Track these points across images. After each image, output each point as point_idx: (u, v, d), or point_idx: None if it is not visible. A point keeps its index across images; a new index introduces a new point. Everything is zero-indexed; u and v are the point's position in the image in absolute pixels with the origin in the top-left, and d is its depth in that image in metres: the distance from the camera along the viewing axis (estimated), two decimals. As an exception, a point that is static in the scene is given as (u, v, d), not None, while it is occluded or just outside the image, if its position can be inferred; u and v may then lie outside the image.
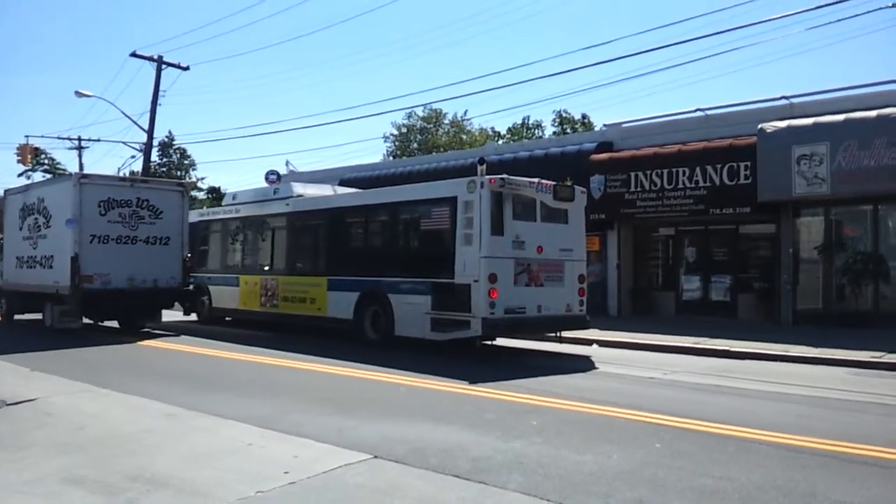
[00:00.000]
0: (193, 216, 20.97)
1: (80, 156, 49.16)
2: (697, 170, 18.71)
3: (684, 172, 18.90)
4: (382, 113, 51.33)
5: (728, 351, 13.64)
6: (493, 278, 12.51)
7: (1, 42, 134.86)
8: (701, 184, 18.65)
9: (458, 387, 9.88)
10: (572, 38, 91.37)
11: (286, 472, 5.80)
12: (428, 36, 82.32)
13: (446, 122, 60.31)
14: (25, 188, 20.13)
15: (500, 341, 14.95)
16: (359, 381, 10.54)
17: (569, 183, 14.83)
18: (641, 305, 21.12)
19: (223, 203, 21.57)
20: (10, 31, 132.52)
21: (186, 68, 32.84)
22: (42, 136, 78.62)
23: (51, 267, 17.32)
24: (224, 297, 19.16)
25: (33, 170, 70.70)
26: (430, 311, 13.30)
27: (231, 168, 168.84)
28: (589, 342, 15.19)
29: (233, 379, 10.92)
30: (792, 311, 18.15)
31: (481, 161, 13.72)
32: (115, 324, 18.46)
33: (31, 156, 38.86)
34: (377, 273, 14.70)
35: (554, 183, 14.03)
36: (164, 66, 32.08)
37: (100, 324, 18.69)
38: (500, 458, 6.25)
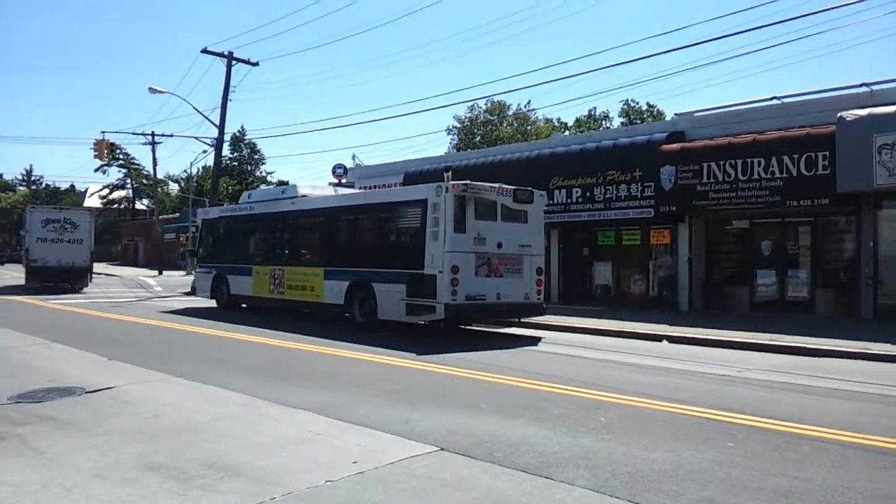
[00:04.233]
0: (215, 212, 25.06)
1: (153, 151, 50.83)
2: (773, 160, 18.07)
3: (759, 163, 18.29)
4: (448, 105, 51.59)
5: (804, 348, 13.17)
6: (455, 270, 14.37)
7: (80, 42, 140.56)
8: (777, 175, 18.03)
9: (521, 380, 9.82)
10: (642, 25, 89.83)
11: (354, 462, 5.88)
12: (493, 27, 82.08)
13: (510, 113, 60.02)
14: (34, 209, 33.78)
15: (550, 324, 14.82)
16: (415, 372, 10.61)
17: (528, 188, 16.33)
18: (713, 301, 20.59)
19: (240, 202, 23.99)
20: (88, 32, 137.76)
21: (256, 64, 33.50)
22: (117, 132, 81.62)
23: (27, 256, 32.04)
24: (240, 285, 21.25)
25: (109, 164, 73.57)
26: (404, 297, 15.15)
27: (299, 162, 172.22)
28: (658, 338, 14.91)
29: (296, 368, 11.15)
30: (873, 306, 17.44)
31: (447, 169, 16.19)
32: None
33: (108, 151, 40.41)
34: (364, 265, 16.66)
35: (514, 187, 15.74)
36: (234, 62, 32.77)
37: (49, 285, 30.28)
38: (567, 453, 6.19)
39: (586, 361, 12.08)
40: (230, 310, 21.32)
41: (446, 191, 14.69)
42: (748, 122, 19.69)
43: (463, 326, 17.11)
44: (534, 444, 6.49)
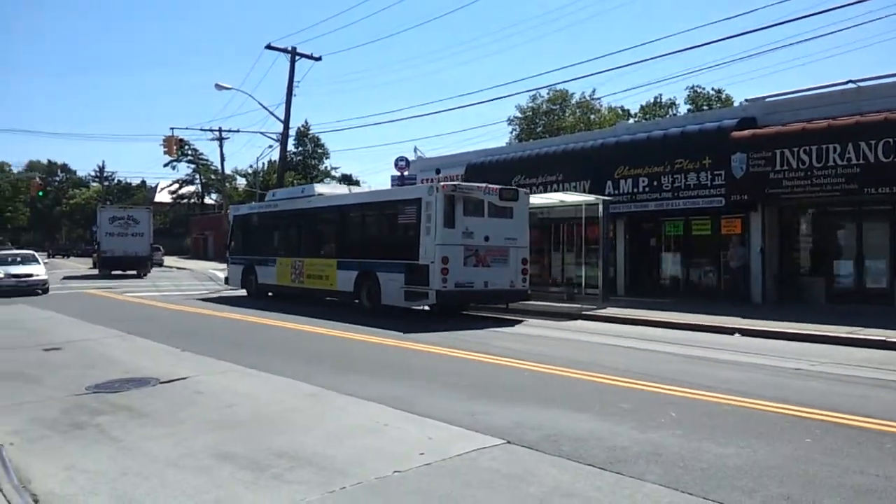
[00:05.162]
0: (244, 209, 27.23)
1: (220, 146, 51.83)
2: (849, 146, 17.37)
3: (835, 149, 17.62)
4: (510, 95, 51.15)
5: (884, 341, 12.64)
6: (444, 260, 16.14)
7: (149, 41, 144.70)
8: (853, 161, 17.34)
9: (588, 374, 9.70)
10: (708, 9, 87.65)
11: (422, 454, 5.91)
12: (558, 14, 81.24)
13: (573, 102, 59.16)
14: (103, 208, 42.80)
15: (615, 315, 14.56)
16: (481, 365, 10.59)
17: (512, 187, 18.53)
18: (788, 292, 19.93)
19: (266, 199, 26.03)
20: (156, 31, 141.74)
21: (319, 59, 33.83)
22: (186, 129, 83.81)
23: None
24: (266, 275, 23.37)
25: (178, 160, 75.62)
26: (403, 285, 16.92)
27: (363, 155, 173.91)
28: (730, 331, 14.54)
29: (356, 358, 11.26)
30: (958, 298, 16.64)
31: (438, 171, 20.16)
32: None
33: (177, 147, 41.61)
34: (370, 256, 18.43)
35: (500, 187, 17.70)
36: (297, 58, 33.16)
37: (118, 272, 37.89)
38: (636, 448, 6.09)
39: (656, 355, 11.83)
40: (260, 298, 23.22)
41: (437, 191, 16.52)
42: (822, 107, 18.96)
43: (465, 312, 18.62)
44: (602, 438, 6.41)
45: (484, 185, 17.62)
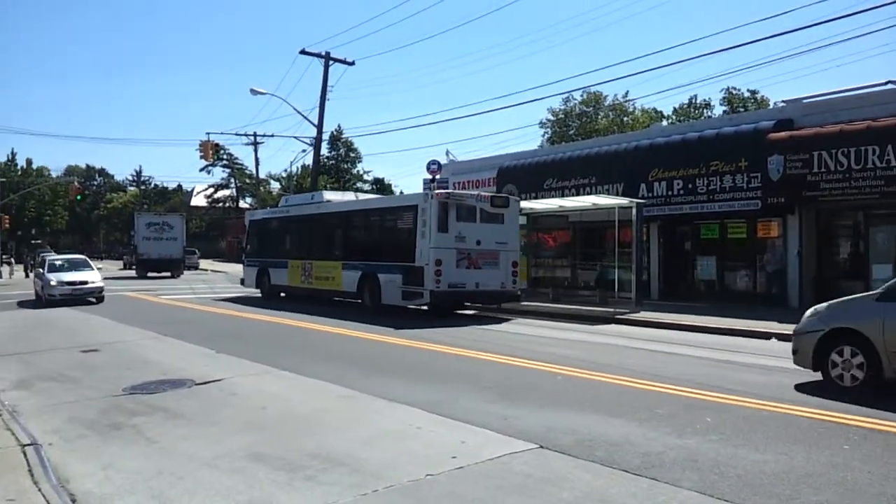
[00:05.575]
0: (259, 214, 29.00)
1: (255, 151, 52.42)
2: (889, 148, 17.00)
3: (874, 151, 17.27)
4: (542, 98, 50.82)
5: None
6: (438, 262, 17.28)
7: (184, 46, 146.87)
8: (893, 163, 16.94)
9: (623, 378, 9.60)
10: (743, 10, 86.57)
11: (454, 457, 5.91)
12: (589, 16, 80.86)
13: (606, 104, 58.69)
14: (140, 214, 45.82)
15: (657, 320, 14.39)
16: (515, 369, 10.52)
17: (503, 194, 19.93)
18: (825, 296, 19.41)
19: (279, 205, 27.60)
20: (191, 35, 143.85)
21: (352, 63, 34.11)
22: (221, 133, 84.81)
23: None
24: (278, 276, 24.66)
25: (214, 164, 76.59)
26: (401, 286, 18.04)
27: (395, 159, 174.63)
28: (767, 336, 14.32)
29: (386, 360, 11.31)
30: None
31: (433, 179, 22.81)
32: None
33: (212, 151, 42.25)
34: (372, 259, 19.64)
35: (491, 195, 19.29)
36: (331, 62, 33.46)
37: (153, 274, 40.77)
38: (672, 454, 6.02)
39: (690, 360, 11.70)
40: (274, 298, 24.43)
41: (431, 198, 17.78)
42: (861, 108, 18.59)
43: (460, 312, 19.64)
44: (637, 443, 6.35)
45: (476, 192, 19.20)
